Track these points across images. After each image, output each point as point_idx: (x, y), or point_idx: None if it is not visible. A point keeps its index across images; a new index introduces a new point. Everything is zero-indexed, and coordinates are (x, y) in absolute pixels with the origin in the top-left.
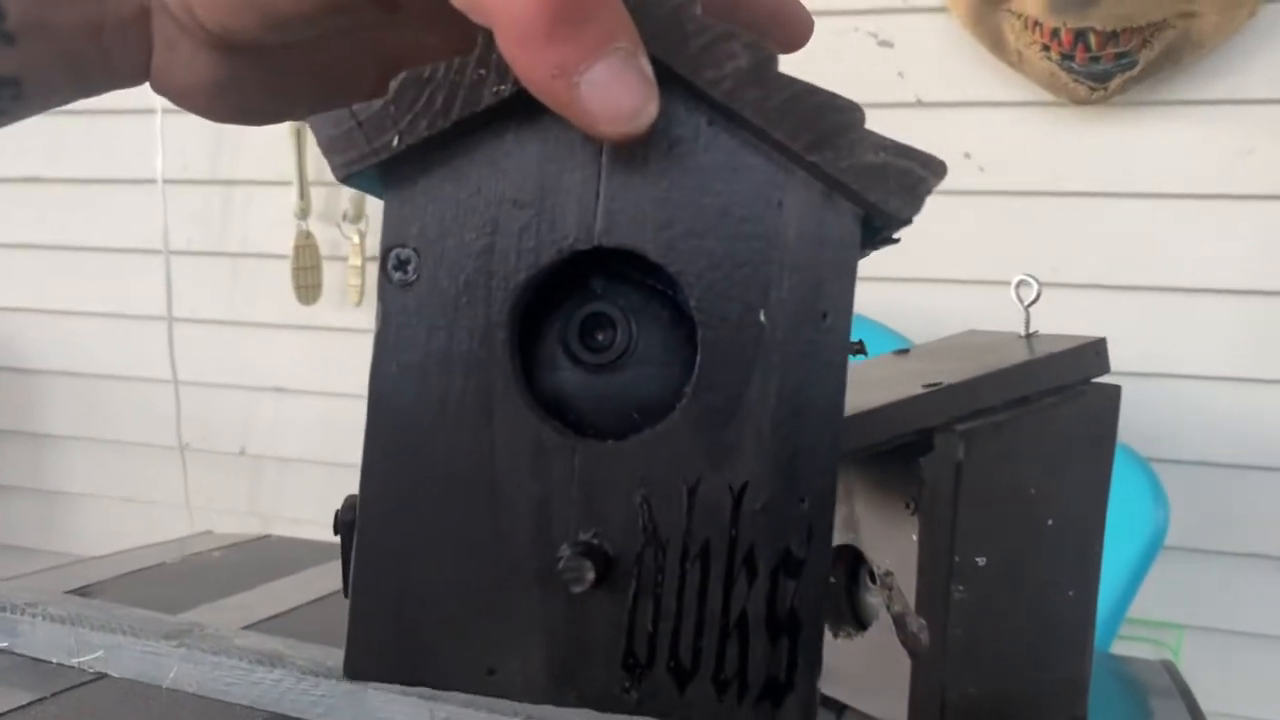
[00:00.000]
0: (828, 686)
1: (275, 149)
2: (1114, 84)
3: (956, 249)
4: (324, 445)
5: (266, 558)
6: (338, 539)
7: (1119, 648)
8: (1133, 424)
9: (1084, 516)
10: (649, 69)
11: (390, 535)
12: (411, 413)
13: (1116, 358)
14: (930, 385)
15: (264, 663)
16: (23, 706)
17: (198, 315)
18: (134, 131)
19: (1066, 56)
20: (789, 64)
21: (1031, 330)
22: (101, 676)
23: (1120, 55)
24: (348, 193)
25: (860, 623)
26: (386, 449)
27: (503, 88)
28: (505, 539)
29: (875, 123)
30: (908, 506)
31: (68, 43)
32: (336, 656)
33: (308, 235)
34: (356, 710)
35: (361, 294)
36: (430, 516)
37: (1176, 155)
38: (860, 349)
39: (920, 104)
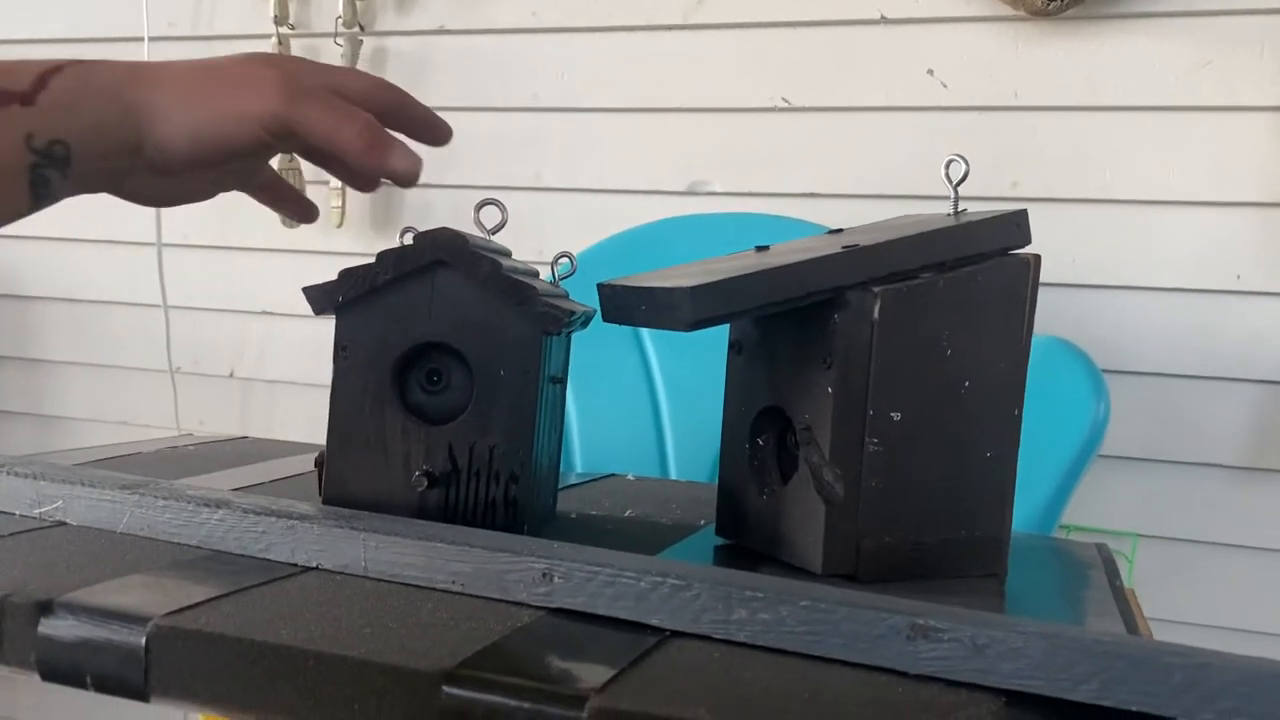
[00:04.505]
0: (750, 540)
1: None
2: None
3: (921, 164)
4: (311, 367)
5: (239, 451)
6: (310, 441)
7: None
8: (1091, 334)
9: (1002, 381)
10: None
11: (345, 462)
12: (351, 409)
13: (1077, 270)
14: (849, 247)
15: (210, 505)
16: None
17: (187, 241)
18: None
19: None
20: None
21: (961, 209)
22: (60, 525)
23: None
24: None
25: (784, 478)
26: (339, 421)
27: (384, 276)
28: (390, 468)
29: (840, 40)
30: (824, 362)
31: (98, 181)
32: (279, 503)
33: (291, 159)
34: (295, 544)
35: (343, 216)
36: (359, 456)
37: (1134, 69)
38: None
39: (884, 21)
